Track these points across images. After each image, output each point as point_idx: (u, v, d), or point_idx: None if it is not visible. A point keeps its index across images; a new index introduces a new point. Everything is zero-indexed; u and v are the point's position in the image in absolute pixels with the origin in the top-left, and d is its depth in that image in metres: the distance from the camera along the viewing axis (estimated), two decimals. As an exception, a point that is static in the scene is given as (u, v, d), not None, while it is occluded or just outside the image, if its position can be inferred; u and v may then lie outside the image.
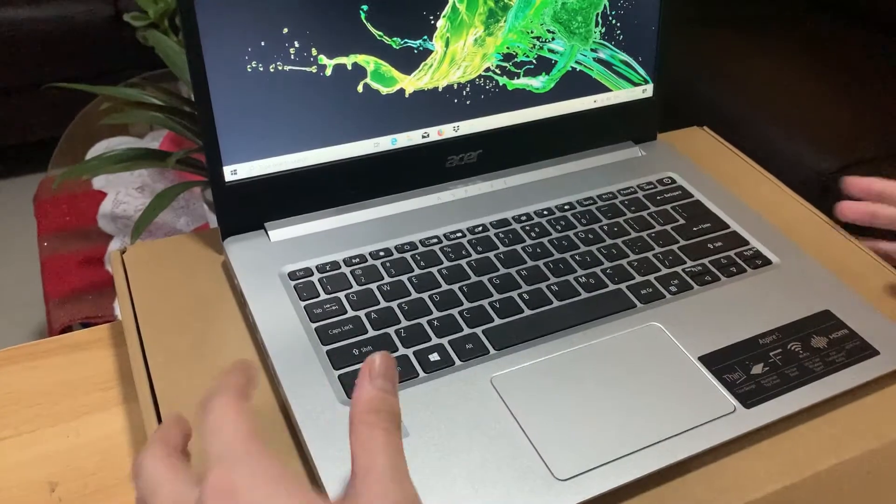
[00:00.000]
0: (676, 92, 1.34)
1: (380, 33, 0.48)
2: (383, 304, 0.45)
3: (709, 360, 0.43)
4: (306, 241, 0.49)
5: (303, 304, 0.44)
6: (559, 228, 0.52)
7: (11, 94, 1.57)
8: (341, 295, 0.45)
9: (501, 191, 0.55)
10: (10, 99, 1.58)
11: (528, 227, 0.51)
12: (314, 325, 0.43)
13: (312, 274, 0.46)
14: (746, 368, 0.42)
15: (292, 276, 0.46)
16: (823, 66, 1.35)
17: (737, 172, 0.61)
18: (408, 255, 0.48)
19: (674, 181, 0.57)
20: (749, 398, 0.41)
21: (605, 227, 0.52)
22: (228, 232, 0.49)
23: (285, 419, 0.40)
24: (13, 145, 1.66)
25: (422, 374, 0.41)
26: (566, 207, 0.54)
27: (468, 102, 0.53)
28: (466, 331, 0.43)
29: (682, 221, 0.53)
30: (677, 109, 1.33)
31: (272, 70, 0.46)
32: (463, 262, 0.48)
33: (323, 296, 0.45)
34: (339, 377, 0.40)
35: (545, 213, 0.53)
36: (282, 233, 0.49)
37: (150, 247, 0.51)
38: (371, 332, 0.43)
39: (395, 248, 0.49)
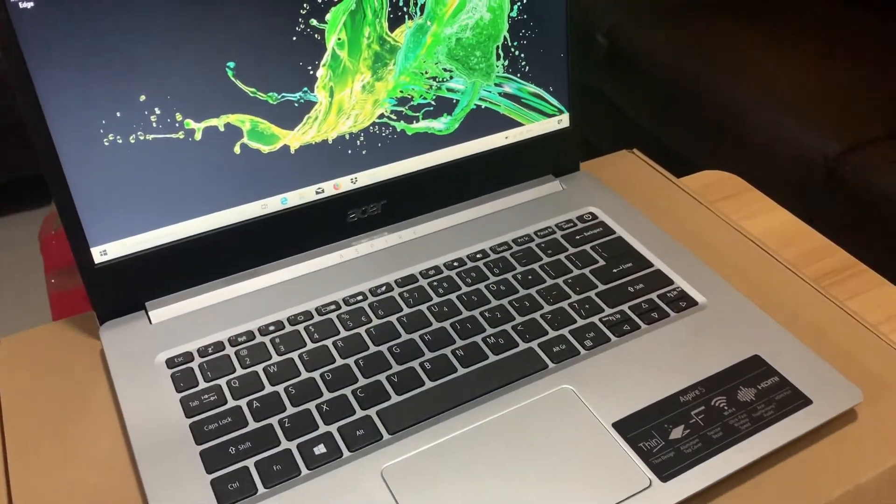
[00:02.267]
0: (675, 83, 1.33)
1: (252, 90, 0.44)
2: (268, 388, 0.41)
3: (623, 427, 0.39)
4: (191, 320, 0.45)
5: (179, 395, 0.40)
6: (469, 281, 0.48)
7: (14, 130, 1.55)
8: (222, 382, 0.41)
9: (410, 242, 0.51)
10: (12, 135, 1.56)
11: (435, 283, 0.48)
12: (189, 421, 0.39)
13: (192, 359, 0.42)
14: (665, 433, 0.39)
15: (170, 363, 0.42)
16: (823, 48, 1.31)
17: (666, 199, 0.58)
18: (301, 328, 0.44)
19: (595, 216, 0.53)
20: (666, 469, 0.37)
21: (519, 276, 0.48)
22: (105, 316, 0.45)
23: (154, 534, 0.36)
24: (18, 179, 1.64)
25: (304, 470, 0.37)
26: (478, 256, 0.50)
27: (364, 152, 0.49)
28: (359, 413, 0.40)
29: (601, 262, 0.49)
30: (678, 100, 1.32)
31: (133, 141, 0.42)
32: (362, 329, 0.44)
33: (202, 384, 0.41)
34: (212, 482, 0.36)
35: (455, 264, 0.49)
36: (164, 312, 0.45)
37: (26, 337, 0.47)
38: (251, 425, 0.39)
39: (288, 319, 0.45)
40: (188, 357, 0.43)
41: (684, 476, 0.37)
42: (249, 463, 0.37)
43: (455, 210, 0.53)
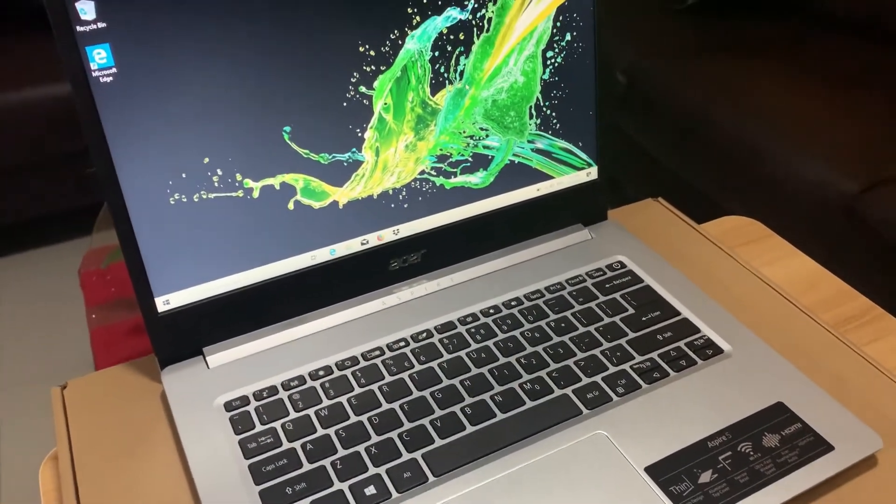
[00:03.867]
0: (692, 120, 1.36)
1: (306, 151, 0.48)
2: (320, 431, 0.44)
3: (655, 471, 0.41)
4: (246, 364, 0.48)
5: (237, 437, 0.43)
6: (505, 328, 0.51)
7: (54, 162, 1.61)
8: (277, 425, 0.44)
9: (448, 289, 0.54)
10: (54, 168, 1.61)
11: (473, 329, 0.50)
12: (248, 462, 0.42)
13: (249, 402, 0.45)
14: (694, 477, 0.41)
15: (228, 406, 0.45)
16: (841, 86, 1.33)
17: (690, 246, 0.61)
18: (348, 373, 0.47)
19: (623, 265, 0.56)
20: (697, 513, 0.39)
21: (553, 324, 0.51)
22: (166, 361, 0.48)
23: (218, 569, 0.39)
24: (59, 213, 1.69)
25: (357, 510, 0.40)
26: (513, 303, 0.53)
27: (406, 206, 0.52)
28: (405, 456, 0.42)
29: (631, 311, 0.52)
30: (695, 137, 1.35)
31: (196, 199, 0.46)
32: (405, 374, 0.47)
33: (258, 427, 0.44)
34: (271, 521, 0.39)
35: (491, 311, 0.52)
36: (220, 357, 0.48)
37: (93, 380, 0.50)
38: (306, 466, 0.42)
39: (336, 364, 0.48)
40: (245, 401, 0.46)
41: (714, 520, 0.39)
42: (306, 502, 0.40)
43: (490, 258, 0.56)
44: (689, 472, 0.41)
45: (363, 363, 0.48)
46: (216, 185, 0.46)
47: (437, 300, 0.53)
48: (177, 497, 0.42)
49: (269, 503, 0.40)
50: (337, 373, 0.47)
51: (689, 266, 0.58)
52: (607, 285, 0.54)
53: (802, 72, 1.38)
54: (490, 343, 0.49)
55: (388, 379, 0.47)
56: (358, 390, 0.46)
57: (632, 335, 0.50)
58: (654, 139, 1.49)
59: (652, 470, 0.41)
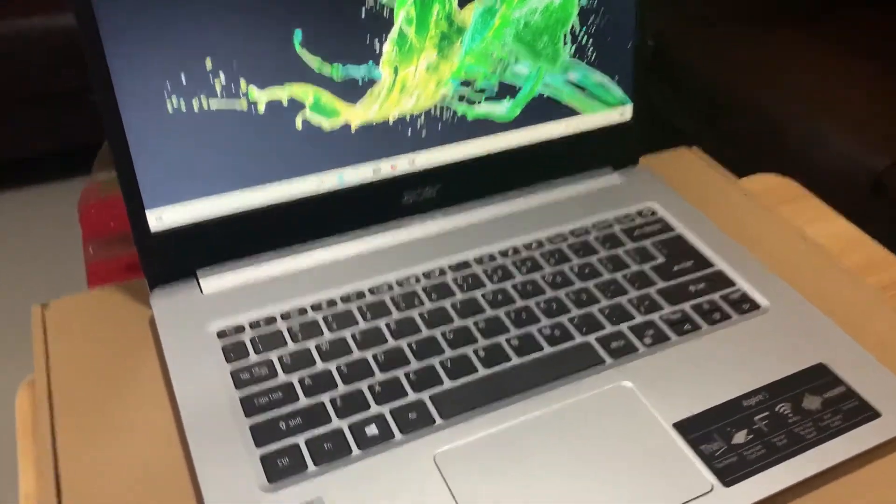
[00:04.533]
0: (719, 90, 1.31)
1: (317, 60, 0.43)
2: (320, 365, 0.40)
3: (685, 428, 0.38)
4: (243, 292, 0.44)
5: (229, 366, 0.40)
6: (524, 270, 0.47)
7: (53, 99, 1.56)
8: (273, 356, 0.40)
9: (463, 228, 0.50)
10: (52, 105, 1.57)
11: (489, 270, 0.47)
12: (239, 393, 0.38)
13: (244, 331, 0.42)
14: (727, 437, 0.37)
15: (221, 334, 0.42)
16: (870, 60, 1.28)
17: (727, 200, 0.56)
18: (353, 306, 0.44)
19: (654, 213, 0.52)
20: (729, 474, 0.35)
21: (576, 268, 0.47)
22: (156, 283, 0.44)
23: (201, 504, 0.35)
24: (56, 151, 1.65)
25: (356, 450, 0.36)
26: (534, 246, 0.49)
27: (424, 134, 0.48)
28: (412, 396, 0.39)
29: (661, 260, 0.48)
30: (721, 107, 1.30)
31: (196, 108, 0.41)
32: (414, 312, 0.43)
33: (253, 357, 0.40)
34: (262, 458, 0.36)
35: (510, 252, 0.48)
36: (215, 282, 0.45)
37: (76, 302, 0.46)
38: (302, 401, 0.38)
39: (341, 298, 0.44)
40: (239, 329, 0.42)
41: (748, 483, 0.35)
42: (300, 440, 0.36)
43: (511, 198, 0.52)
44: (721, 431, 0.37)
45: (370, 298, 0.44)
46: (218, 92, 0.42)
47: (451, 238, 0.49)
48: (160, 428, 0.39)
49: (260, 438, 0.36)
50: (341, 306, 0.44)
51: (723, 218, 0.53)
52: (636, 232, 0.50)
53: (836, 46, 1.33)
54: (507, 285, 0.46)
55: (396, 315, 0.43)
56: (363, 325, 0.42)
57: (661, 285, 0.46)
58: (679, 108, 1.43)
59: (681, 427, 0.38)
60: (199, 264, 0.45)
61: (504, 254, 0.48)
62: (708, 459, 0.36)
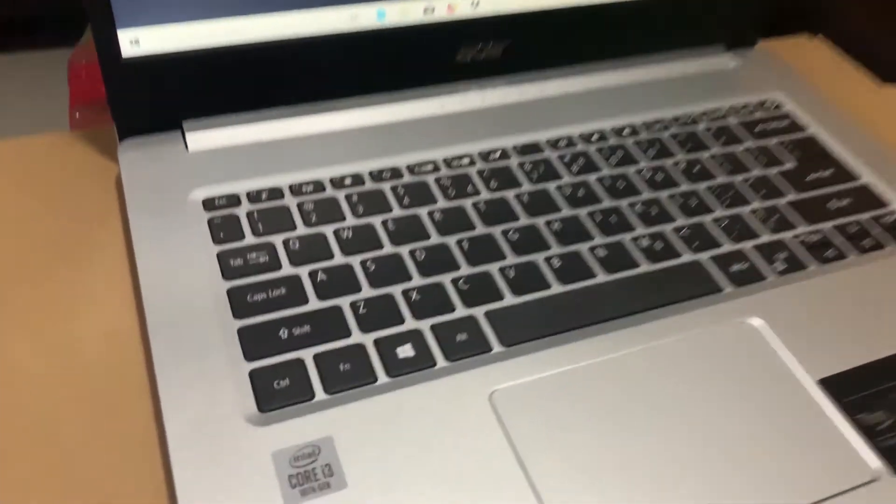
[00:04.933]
0: None
1: None
2: (339, 258, 0.29)
3: (835, 387, 0.27)
4: (242, 155, 0.33)
5: (217, 248, 0.29)
6: (614, 162, 0.35)
7: None
8: (278, 240, 0.30)
9: (535, 102, 0.38)
10: None
11: (567, 157, 0.35)
12: (227, 285, 0.28)
13: (240, 204, 0.31)
14: (895, 406, 0.27)
15: (209, 204, 0.31)
16: None
17: (865, 101, 0.44)
18: (387, 187, 0.33)
19: (779, 106, 0.40)
20: (902, 460, 0.25)
21: (682, 165, 0.36)
22: (128, 131, 0.33)
23: (159, 439, 0.25)
24: (46, 16, 1.51)
25: (383, 378, 0.26)
26: (626, 132, 0.37)
27: (496, -34, 0.36)
28: (461, 311, 0.28)
29: (790, 165, 0.37)
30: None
31: None
32: (467, 202, 0.33)
33: (249, 239, 0.30)
34: (251, 374, 0.26)
35: (595, 137, 0.37)
36: (207, 137, 0.34)
37: (33, 144, 0.35)
38: (313, 304, 0.28)
39: (371, 174, 0.33)
40: (234, 201, 0.31)
41: (928, 473, 0.25)
42: (307, 354, 0.26)
43: (598, 69, 0.40)
44: (885, 396, 0.27)
45: (408, 178, 0.33)
46: None
47: (518, 113, 0.38)
48: (116, 324, 0.29)
49: (251, 348, 0.26)
50: (370, 184, 0.33)
51: (863, 121, 0.42)
52: (758, 128, 0.39)
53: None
54: (591, 178, 0.34)
55: (443, 204, 0.32)
56: (398, 212, 0.32)
57: (793, 196, 0.35)
58: None
59: (830, 385, 0.27)
60: (187, 113, 0.34)
61: (587, 138, 0.37)
62: (872, 434, 0.26)
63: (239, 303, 0.27)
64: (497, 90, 0.38)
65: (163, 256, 0.29)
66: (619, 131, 0.37)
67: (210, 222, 0.30)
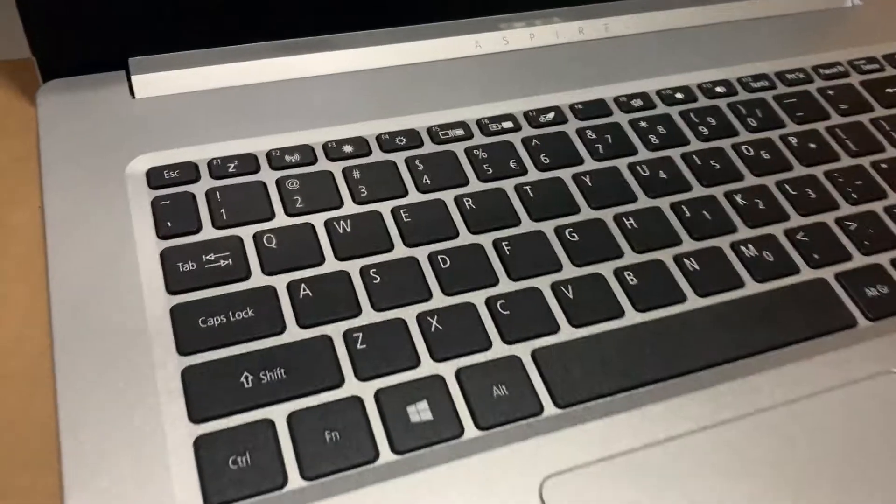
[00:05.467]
0: None
1: None
2: (331, 264, 0.21)
3: None
4: (204, 106, 0.25)
5: (161, 245, 0.21)
6: (704, 132, 0.27)
7: None
8: (247, 233, 0.22)
9: (598, 42, 0.29)
10: None
11: (643, 124, 0.26)
12: (172, 301, 0.20)
13: (197, 178, 0.23)
14: None
15: (155, 178, 0.22)
16: None
17: None
18: (400, 159, 0.24)
19: (918, 61, 0.31)
20: None
21: (794, 140, 0.27)
22: (53, 69, 0.25)
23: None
24: None
25: (387, 454, 0.18)
26: (719, 90, 0.28)
27: None
28: (498, 349, 0.20)
29: (938, 144, 0.28)
30: None
31: None
32: (508, 184, 0.24)
33: (208, 231, 0.21)
34: (197, 444, 0.18)
35: (679, 95, 0.28)
36: (159, 82, 0.25)
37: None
38: (292, 333, 0.20)
39: (379, 140, 0.25)
40: (190, 173, 0.23)
41: None
42: (279, 414, 0.18)
43: (682, 2, 0.31)
44: None
45: (429, 147, 0.25)
46: None
47: (577, 57, 0.29)
48: (23, 330, 0.21)
49: (200, 403, 0.18)
50: (377, 155, 0.24)
51: None
52: (890, 89, 0.29)
53: None
54: (675, 154, 0.26)
55: (475, 186, 0.24)
56: (415, 197, 0.23)
57: (944, 190, 0.26)
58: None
59: None
60: (135, 47, 0.25)
61: (668, 97, 0.28)
62: None
63: (187, 329, 0.19)
64: (550, 27, 0.29)
65: (83, 254, 0.20)
66: (709, 89, 0.28)
67: (155, 205, 0.22)
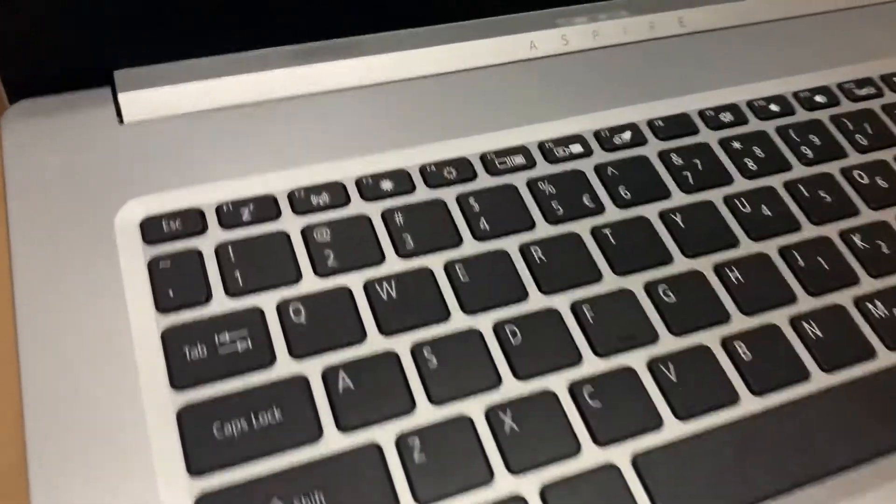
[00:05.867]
0: None
1: None
2: (376, 341, 0.17)
3: None
4: (207, 131, 0.20)
5: (163, 322, 0.17)
6: (807, 154, 0.22)
7: None
8: (270, 302, 0.17)
9: (673, 41, 0.25)
10: None
11: (736, 143, 0.22)
12: (179, 401, 0.16)
13: (203, 229, 0.18)
14: None
15: (152, 230, 0.18)
16: None
17: None
18: (450, 195, 0.20)
19: None
20: None
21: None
22: (20, 86, 0.20)
23: None
24: None
25: None
26: (819, 99, 0.24)
27: None
28: (589, 454, 0.16)
29: None
30: None
31: None
32: (580, 226, 0.20)
33: (221, 302, 0.17)
34: None
35: (773, 106, 0.23)
36: (152, 100, 0.20)
37: None
38: (334, 441, 0.16)
39: (424, 172, 0.20)
40: (195, 222, 0.18)
41: None
42: (320, 556, 0.14)
43: (766, -9, 0.26)
44: None
45: (483, 180, 0.20)
46: None
47: (649, 59, 0.24)
48: (-4, 441, 0.17)
49: (217, 544, 0.14)
50: (422, 191, 0.20)
51: None
52: None
53: None
54: (775, 182, 0.21)
55: (543, 231, 0.19)
56: (470, 247, 0.19)
57: None
58: None
59: None
60: (123, 57, 0.21)
61: (760, 110, 0.23)
62: None
63: (198, 443, 0.15)
64: (617, 21, 0.24)
65: (63, 340, 0.16)
66: (808, 98, 0.24)
67: (153, 268, 0.17)
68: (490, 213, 0.19)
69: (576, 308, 0.18)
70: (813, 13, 0.26)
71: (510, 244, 0.19)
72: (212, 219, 0.18)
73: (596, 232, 0.20)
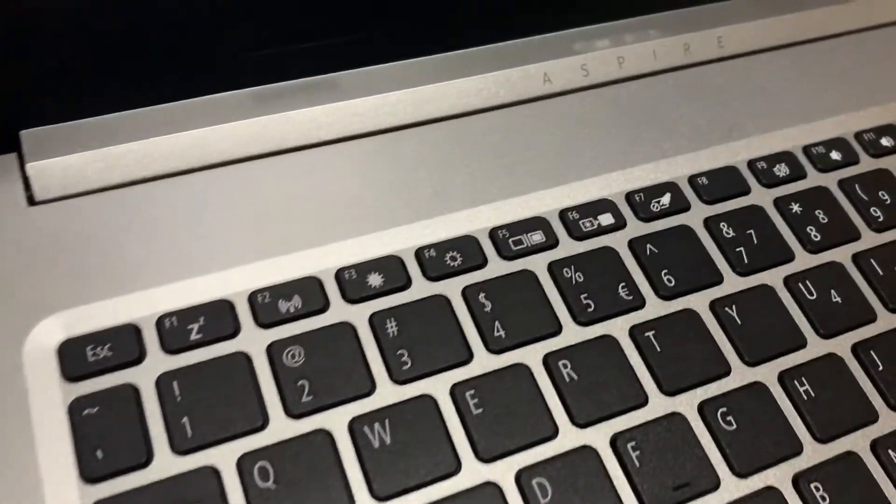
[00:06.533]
0: None
1: None
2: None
3: None
4: (143, 212, 0.16)
5: (90, 498, 0.13)
6: (877, 217, 0.19)
7: None
8: (225, 461, 0.13)
9: (712, 67, 0.21)
10: None
11: (795, 206, 0.18)
12: None
13: (141, 356, 0.14)
14: None
15: (72, 359, 0.14)
16: None
17: None
18: (454, 290, 0.16)
19: None
20: None
21: None
22: None
23: None
24: None
25: None
26: (885, 143, 0.20)
27: None
28: None
29: None
30: None
31: None
32: (615, 326, 0.16)
33: (165, 462, 0.13)
34: None
35: (833, 154, 0.19)
36: (70, 169, 0.16)
37: None
38: None
39: (421, 258, 0.16)
40: (130, 345, 0.14)
41: None
42: None
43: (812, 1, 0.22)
44: None
45: (496, 265, 0.16)
46: None
47: (685, 92, 0.20)
48: None
49: None
50: (418, 285, 0.16)
51: None
52: None
53: None
54: (842, 257, 0.18)
55: (573, 335, 0.16)
56: (482, 362, 0.15)
57: None
58: None
59: None
60: (31, 115, 0.16)
61: (820, 158, 0.19)
62: None
63: None
64: (644, 45, 0.20)
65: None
66: (873, 141, 0.20)
67: (75, 416, 0.13)
68: (506, 316, 0.16)
69: (616, 442, 0.14)
70: (876, 25, 0.22)
71: (531, 357, 0.15)
72: (151, 338, 0.14)
73: (635, 335, 0.16)
